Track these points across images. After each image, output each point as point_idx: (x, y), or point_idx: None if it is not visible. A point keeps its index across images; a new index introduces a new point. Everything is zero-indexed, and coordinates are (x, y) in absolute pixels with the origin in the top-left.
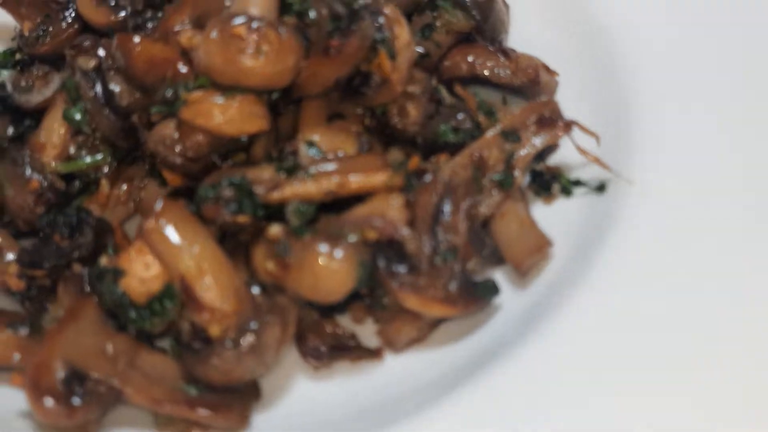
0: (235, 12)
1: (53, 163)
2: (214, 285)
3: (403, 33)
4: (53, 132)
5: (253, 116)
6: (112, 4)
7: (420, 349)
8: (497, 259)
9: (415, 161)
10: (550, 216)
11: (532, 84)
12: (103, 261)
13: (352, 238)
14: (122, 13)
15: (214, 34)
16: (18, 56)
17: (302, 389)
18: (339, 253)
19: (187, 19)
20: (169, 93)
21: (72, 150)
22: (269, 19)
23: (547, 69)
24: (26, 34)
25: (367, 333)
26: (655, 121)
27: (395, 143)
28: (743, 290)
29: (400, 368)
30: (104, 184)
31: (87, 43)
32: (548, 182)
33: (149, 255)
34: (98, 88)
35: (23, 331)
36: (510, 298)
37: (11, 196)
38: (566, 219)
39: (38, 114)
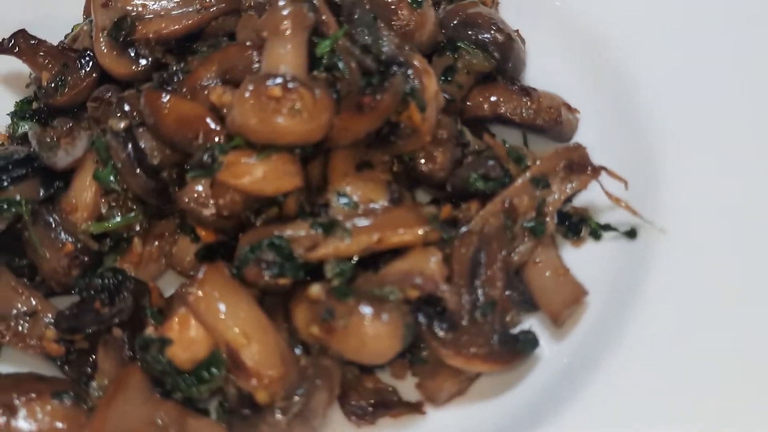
0: (267, 71)
1: (86, 224)
2: (260, 351)
3: (431, 84)
4: (84, 192)
5: (287, 174)
6: (132, 54)
7: (461, 403)
8: (531, 306)
9: (446, 210)
10: (579, 259)
11: (554, 123)
12: (149, 331)
13: (394, 296)
14: (142, 64)
15: (248, 94)
16: (35, 105)
17: None
18: (385, 316)
19: (215, 74)
20: (204, 156)
21: (103, 210)
22: (301, 77)
23: (568, 107)
24: (44, 83)
25: (407, 387)
26: (682, 164)
27: (422, 188)
28: None
29: (443, 423)
30: (137, 242)
31: (109, 95)
32: (577, 225)
33: (194, 322)
34: (129, 149)
35: (67, 401)
36: (547, 347)
37: (45, 259)
38: (596, 264)
39: (67, 174)
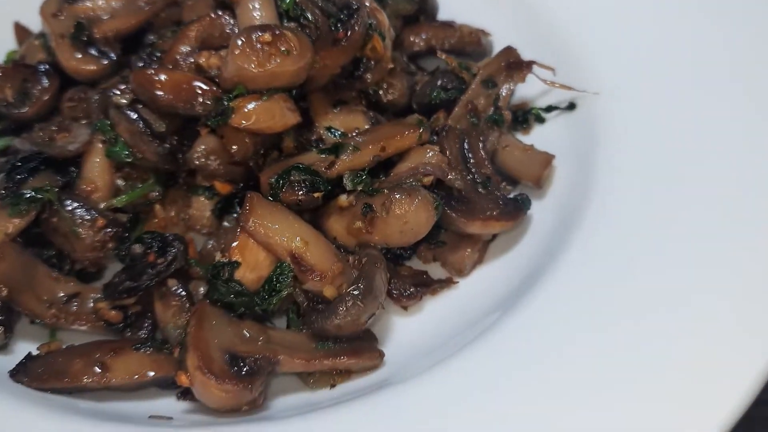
0: (246, 26)
1: (108, 201)
2: (318, 252)
3: (384, 19)
4: (97, 172)
5: (290, 111)
6: (95, 54)
7: (482, 269)
8: (512, 181)
9: (442, 115)
10: (533, 142)
11: (477, 46)
12: (217, 257)
13: (413, 185)
14: (108, 60)
15: (242, 46)
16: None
17: (400, 326)
18: (419, 195)
19: (193, 44)
20: (215, 107)
21: (120, 184)
22: (279, 25)
23: (483, 32)
24: (11, 100)
25: (434, 269)
26: (597, 37)
27: (390, 116)
28: None
29: (471, 290)
30: (158, 208)
31: (85, 94)
32: (524, 116)
33: (253, 244)
34: (138, 120)
35: (148, 350)
36: (534, 208)
37: (80, 238)
38: (549, 141)
39: (75, 161)
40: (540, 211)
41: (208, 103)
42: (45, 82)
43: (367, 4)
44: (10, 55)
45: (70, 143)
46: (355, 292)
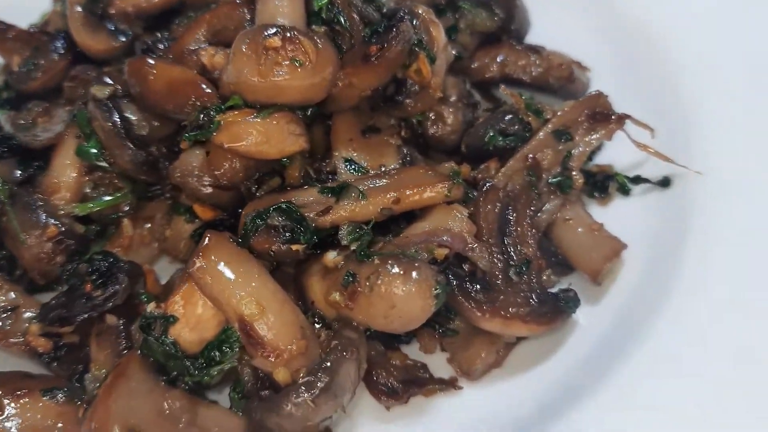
0: (263, 24)
1: (70, 206)
2: (276, 323)
3: (440, 34)
4: (65, 171)
5: (292, 135)
6: (110, 29)
7: (498, 376)
8: (565, 267)
9: (466, 170)
10: (609, 218)
11: (566, 81)
12: (150, 307)
13: (420, 257)
14: (122, 39)
15: (244, 47)
16: (6, 94)
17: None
18: (416, 274)
19: (203, 37)
20: (198, 117)
21: (88, 190)
22: (300, 29)
23: (579, 65)
24: (15, 69)
25: (438, 363)
26: (711, 108)
27: (435, 154)
28: None
29: (480, 399)
30: (126, 224)
31: (90, 74)
32: (603, 182)
33: (199, 297)
34: (115, 117)
35: (60, 397)
36: (585, 310)
37: (27, 246)
38: (628, 220)
39: (46, 153)
40: (591, 316)
41: (197, 108)
42: (54, 55)
43: (422, 12)
44: (44, 17)
45: (45, 131)
46: (310, 385)
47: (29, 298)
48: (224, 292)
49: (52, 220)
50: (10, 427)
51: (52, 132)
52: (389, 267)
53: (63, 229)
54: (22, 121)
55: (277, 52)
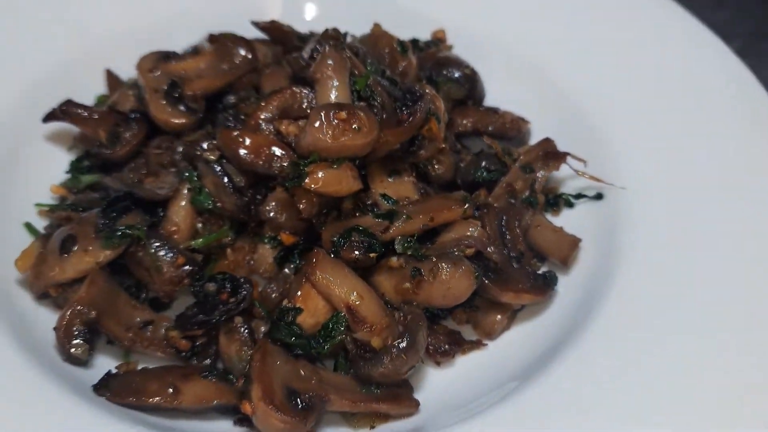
0: (324, 102)
1: (188, 242)
2: (370, 307)
3: (441, 105)
4: (182, 215)
5: (353, 178)
6: (184, 108)
7: (509, 335)
8: (541, 258)
9: (484, 194)
10: (561, 224)
11: (517, 132)
12: (284, 302)
13: (456, 255)
14: (199, 115)
15: (321, 120)
16: (86, 162)
17: (433, 379)
18: (463, 265)
19: (273, 112)
20: (290, 170)
21: (199, 227)
22: (352, 104)
23: (523, 120)
24: (105, 141)
25: (466, 331)
26: (623, 140)
27: (435, 187)
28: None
29: (499, 353)
30: (229, 251)
31: (174, 143)
32: (554, 200)
33: (315, 294)
34: (222, 175)
35: (212, 378)
36: (560, 285)
37: (161, 273)
38: (575, 225)
39: (160, 204)
40: (565, 287)
41: (285, 165)
42: (135, 128)
43: (429, 91)
44: (101, 99)
45: (159, 188)
46: (401, 345)
47: (159, 314)
48: (335, 288)
49: (179, 252)
50: (188, 402)
51: (168, 188)
52: (443, 263)
53: (187, 258)
54: (129, 182)
55: (344, 122)
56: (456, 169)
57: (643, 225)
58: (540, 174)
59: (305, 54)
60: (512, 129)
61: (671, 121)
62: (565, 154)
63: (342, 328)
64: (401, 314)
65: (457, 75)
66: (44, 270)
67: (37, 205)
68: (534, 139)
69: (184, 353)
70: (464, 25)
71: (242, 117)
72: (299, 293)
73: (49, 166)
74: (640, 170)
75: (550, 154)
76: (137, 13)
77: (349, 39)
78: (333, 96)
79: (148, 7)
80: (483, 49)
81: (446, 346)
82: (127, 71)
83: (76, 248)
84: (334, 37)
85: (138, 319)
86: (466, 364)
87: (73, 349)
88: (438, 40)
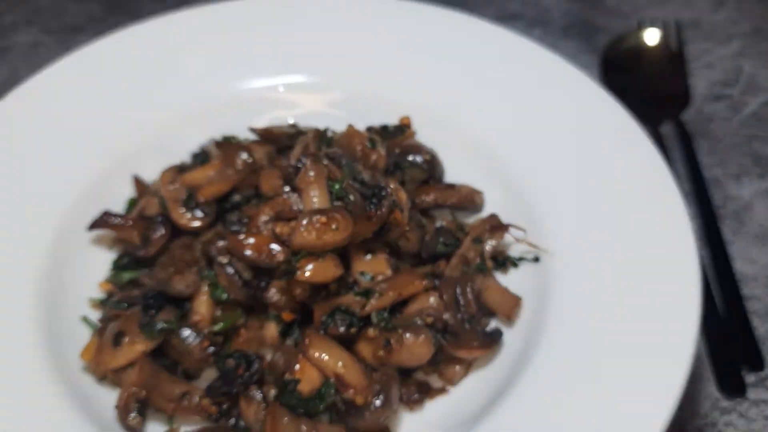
0: (308, 208)
1: (210, 327)
2: (354, 373)
3: (403, 196)
4: (204, 308)
5: (336, 267)
6: (198, 214)
7: (466, 381)
8: (490, 314)
9: (442, 264)
10: (508, 281)
11: (472, 204)
12: (286, 376)
13: (420, 324)
14: (211, 218)
15: (306, 225)
16: (125, 260)
17: (408, 422)
18: (422, 335)
19: (269, 215)
20: (285, 265)
21: (218, 314)
22: (331, 208)
23: (477, 192)
24: (138, 243)
25: (432, 380)
26: (555, 211)
27: (406, 259)
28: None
29: (459, 396)
30: (243, 331)
31: (196, 243)
32: (503, 261)
33: (310, 366)
34: (233, 273)
35: None
36: (505, 336)
37: (191, 353)
38: (518, 282)
39: (188, 297)
40: (509, 337)
41: (281, 260)
42: (161, 230)
43: (392, 185)
44: (131, 202)
45: (185, 286)
46: (378, 402)
47: (191, 384)
48: (326, 363)
49: (204, 337)
50: None
51: (192, 287)
52: (408, 332)
53: (211, 341)
54: (161, 280)
55: (324, 224)
56: (422, 241)
57: (568, 286)
58: (488, 244)
59: (292, 161)
60: (468, 201)
61: (594, 195)
62: (508, 225)
63: (332, 392)
64: (378, 375)
65: (419, 160)
66: (102, 359)
67: (91, 299)
68: (487, 209)
69: (214, 416)
70: (429, 113)
71: (245, 221)
72: (297, 367)
73: (96, 264)
74: (568, 237)
75: (496, 226)
76: (150, 120)
77: (329, 134)
78: (315, 201)
79: (162, 107)
80: (443, 131)
81: (416, 395)
82: (149, 175)
83: (125, 341)
84: (312, 154)
85: (177, 391)
86: (434, 406)
87: (130, 422)
88: (404, 126)
